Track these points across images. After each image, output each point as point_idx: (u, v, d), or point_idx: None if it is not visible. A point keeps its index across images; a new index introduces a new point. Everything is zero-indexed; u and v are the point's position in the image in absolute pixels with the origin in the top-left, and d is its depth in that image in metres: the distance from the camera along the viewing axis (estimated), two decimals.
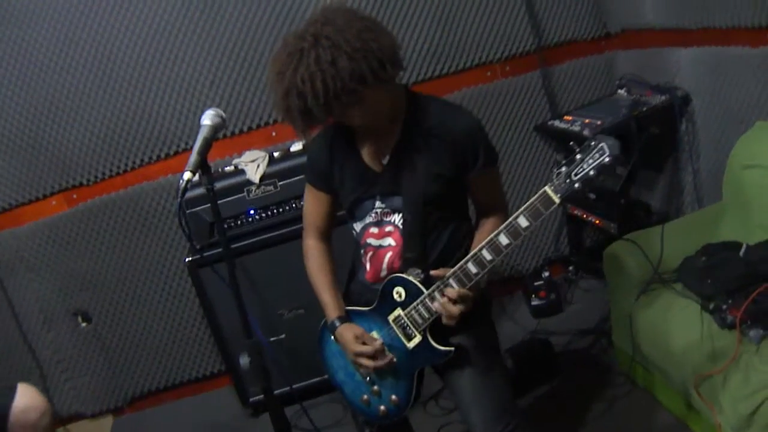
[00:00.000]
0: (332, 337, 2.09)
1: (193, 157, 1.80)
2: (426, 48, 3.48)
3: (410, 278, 1.93)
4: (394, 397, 2.05)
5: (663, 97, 3.18)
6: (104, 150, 3.40)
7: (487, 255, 1.81)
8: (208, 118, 1.88)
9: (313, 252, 2.17)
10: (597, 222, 3.41)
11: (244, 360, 2.78)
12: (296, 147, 3.24)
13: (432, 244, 1.98)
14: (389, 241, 2.00)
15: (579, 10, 3.61)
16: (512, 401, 2.10)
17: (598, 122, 3.25)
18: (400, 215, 1.96)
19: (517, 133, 3.67)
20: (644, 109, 3.17)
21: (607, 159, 1.61)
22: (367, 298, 2.06)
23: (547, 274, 3.61)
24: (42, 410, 2.16)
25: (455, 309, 1.82)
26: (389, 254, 1.99)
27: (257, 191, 3.09)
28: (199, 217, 3.06)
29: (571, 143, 1.69)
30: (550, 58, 3.63)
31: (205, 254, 3.06)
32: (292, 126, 1.84)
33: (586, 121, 3.33)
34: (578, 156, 1.64)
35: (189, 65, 3.33)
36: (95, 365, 3.65)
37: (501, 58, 3.59)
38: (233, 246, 2.96)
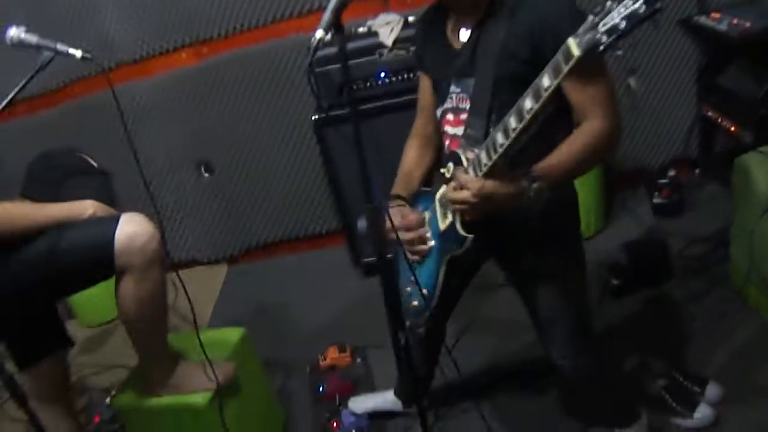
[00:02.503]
0: None
1: (327, 15, 1.73)
2: None
3: (460, 152, 1.79)
4: (424, 290, 1.97)
5: None
6: (237, 5, 3.39)
7: (512, 122, 1.59)
8: None
9: (411, 151, 2.14)
10: (732, 128, 3.22)
11: (361, 223, 2.82)
12: None
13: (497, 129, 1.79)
14: (461, 130, 1.88)
15: None
16: (588, 331, 2.03)
17: (747, 24, 3.01)
18: (471, 100, 1.84)
19: (659, 26, 3.42)
20: None
21: (642, 7, 1.30)
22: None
23: (673, 173, 3.48)
24: (149, 234, 2.04)
25: (459, 195, 1.69)
26: (461, 142, 1.87)
27: (389, 54, 3.05)
28: (329, 76, 3.07)
29: None
30: None
31: (331, 113, 3.08)
32: None
33: (734, 21, 3.09)
34: (609, 2, 1.33)
35: None
36: (214, 214, 3.82)
37: None
38: (361, 108, 3.02)
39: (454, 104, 1.91)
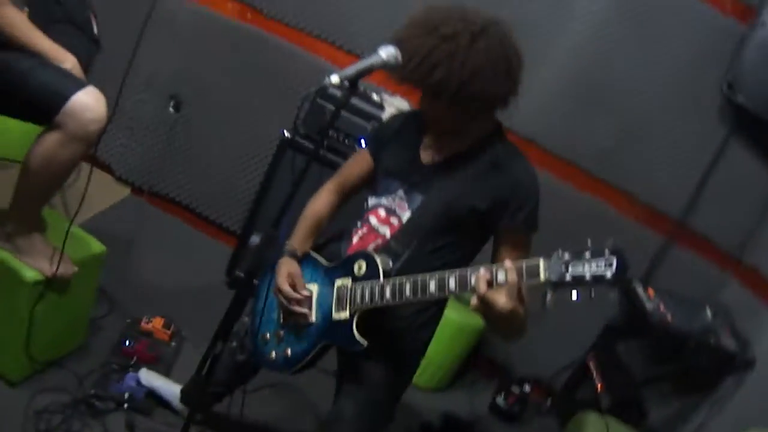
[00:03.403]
0: None
1: (352, 69, 1.83)
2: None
3: (378, 260, 1.88)
4: (289, 351, 2.04)
5: (733, 346, 3.13)
6: (302, 3, 3.53)
7: (408, 291, 1.77)
8: (385, 53, 1.91)
9: (325, 195, 2.20)
10: (599, 386, 3.41)
11: (254, 239, 2.89)
12: None
13: (418, 257, 1.93)
14: (387, 231, 1.97)
15: (737, 221, 3.56)
16: None
17: (669, 317, 3.23)
18: (410, 214, 1.94)
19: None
20: (711, 341, 3.12)
21: (609, 274, 1.50)
22: (328, 256, 2.08)
23: (527, 389, 3.62)
24: (99, 116, 2.10)
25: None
26: (380, 242, 1.97)
27: None
28: (321, 111, 3.18)
29: (589, 240, 1.57)
30: (680, 235, 3.60)
31: (299, 140, 3.21)
32: (399, 72, 1.82)
33: (662, 308, 3.30)
34: (586, 254, 1.53)
35: None
36: (154, 146, 3.83)
37: (646, 203, 3.59)
38: (326, 155, 3.13)
39: (392, 206, 1.98)
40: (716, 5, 3.37)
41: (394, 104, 3.24)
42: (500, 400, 3.56)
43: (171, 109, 3.78)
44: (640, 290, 3.46)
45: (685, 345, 3.10)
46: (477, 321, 3.31)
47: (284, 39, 3.58)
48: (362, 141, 3.20)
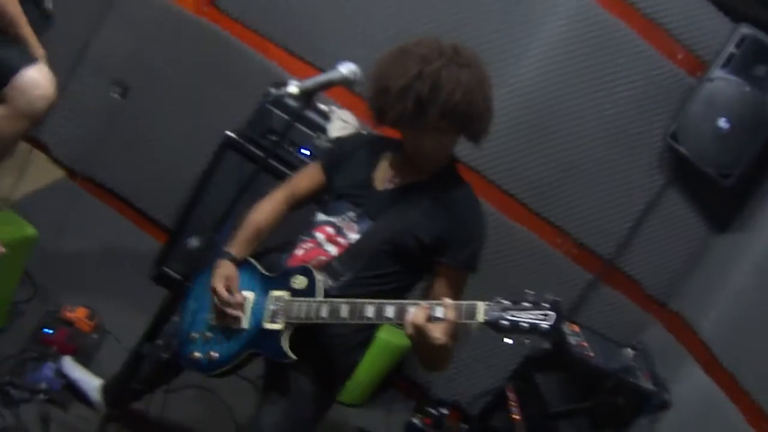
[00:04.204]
0: None
1: (311, 83, 1.85)
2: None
3: (319, 278, 1.90)
4: (214, 353, 2.02)
5: (650, 386, 3.20)
6: (269, 6, 3.49)
7: (345, 312, 1.80)
8: (345, 69, 1.93)
9: (271, 203, 2.19)
10: (516, 417, 3.44)
11: (193, 242, 2.85)
12: None
13: (359, 281, 1.95)
14: (333, 250, 1.98)
15: (665, 267, 3.66)
16: None
17: (591, 355, 3.28)
18: (359, 237, 1.96)
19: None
20: (630, 380, 3.19)
21: (545, 326, 1.58)
22: (268, 265, 2.07)
23: (445, 412, 3.64)
24: (48, 94, 2.09)
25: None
26: (323, 258, 1.98)
27: (322, 142, 3.15)
28: (270, 116, 3.13)
29: (527, 291, 1.65)
30: (609, 275, 3.67)
31: (244, 142, 3.15)
32: (375, 106, 1.89)
33: (584, 344, 3.36)
34: (525, 304, 1.61)
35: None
36: (94, 130, 3.74)
37: (578, 240, 3.64)
38: (270, 161, 3.08)
39: (341, 225, 2.00)
40: (667, 54, 3.45)
41: (340, 116, 3.23)
42: (417, 420, 3.56)
43: (116, 95, 3.70)
44: (563, 325, 3.51)
45: (604, 382, 3.15)
46: (402, 340, 3.32)
47: (239, 39, 3.54)
48: (305, 151, 3.17)
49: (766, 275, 3.01)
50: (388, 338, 3.33)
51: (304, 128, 3.14)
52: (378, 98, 1.90)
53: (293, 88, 1.84)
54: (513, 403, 3.51)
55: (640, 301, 3.73)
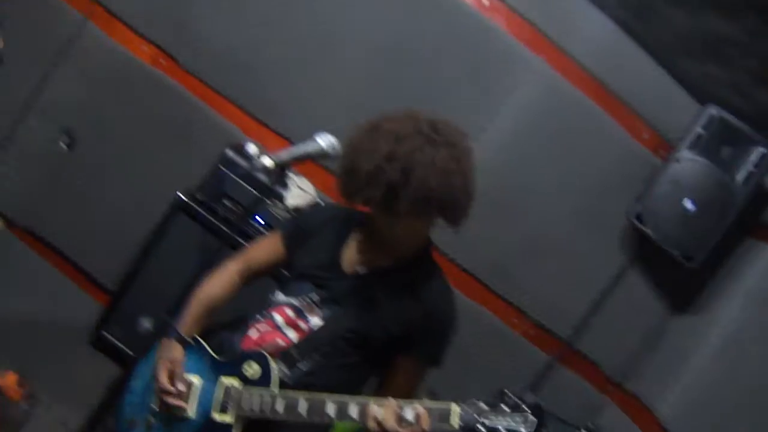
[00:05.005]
0: None
1: (286, 155, 1.78)
2: None
3: (274, 367, 1.76)
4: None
5: None
6: (227, 63, 3.35)
7: (303, 407, 1.66)
8: (324, 141, 1.83)
9: (224, 276, 2.04)
10: None
11: (145, 324, 2.67)
12: None
13: (318, 371, 1.82)
14: (292, 334, 1.84)
15: (623, 348, 3.59)
16: None
17: None
18: (322, 323, 1.82)
19: (480, 374, 3.47)
20: None
21: (524, 431, 1.48)
22: (218, 345, 1.92)
23: None
24: None
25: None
26: (280, 343, 1.83)
27: (277, 211, 3.01)
28: (224, 179, 3.00)
29: (506, 391, 1.57)
30: (566, 356, 3.58)
31: (195, 205, 3.01)
32: (343, 185, 1.76)
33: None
34: (504, 407, 1.51)
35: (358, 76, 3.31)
36: (36, 179, 3.53)
37: (536, 321, 3.55)
38: (221, 227, 2.95)
39: (302, 307, 1.85)
40: (633, 133, 3.43)
41: (297, 183, 3.10)
42: None
43: (63, 144, 3.51)
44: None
45: None
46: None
47: (196, 95, 3.38)
48: (257, 218, 3.01)
49: (726, 358, 3.00)
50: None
51: (259, 194, 2.98)
52: (347, 178, 1.76)
53: (267, 160, 1.75)
54: None
55: (597, 383, 3.65)
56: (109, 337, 3.12)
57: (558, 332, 3.55)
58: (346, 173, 1.76)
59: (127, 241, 3.37)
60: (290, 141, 3.29)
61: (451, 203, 1.75)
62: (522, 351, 3.54)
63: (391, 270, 1.87)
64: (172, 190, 3.11)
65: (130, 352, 3.05)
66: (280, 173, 1.85)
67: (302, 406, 1.67)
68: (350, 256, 1.91)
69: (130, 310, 3.10)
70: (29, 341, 3.09)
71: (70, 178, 3.52)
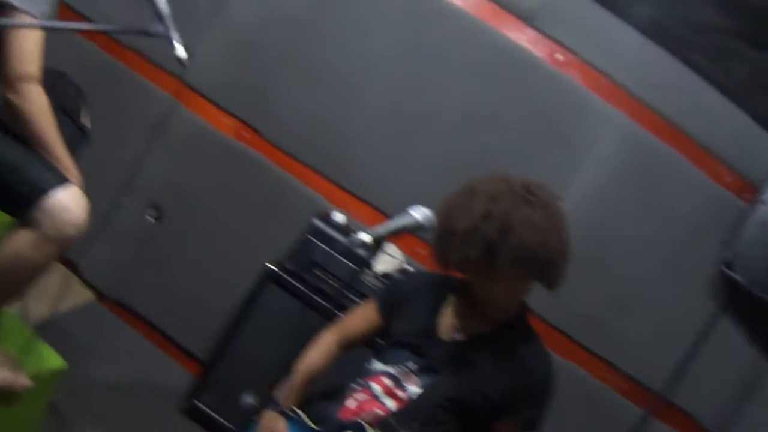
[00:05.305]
0: None
1: (383, 230, 1.79)
2: None
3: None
4: None
5: None
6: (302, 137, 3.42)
7: None
8: (419, 213, 1.84)
9: (323, 347, 2.05)
10: None
11: (249, 399, 2.68)
12: None
13: None
14: (390, 403, 1.83)
15: (720, 399, 3.47)
16: None
17: None
18: (420, 391, 1.81)
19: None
20: None
21: None
22: (316, 416, 1.92)
23: None
24: (78, 220, 1.91)
25: None
26: (379, 412, 1.82)
27: (368, 278, 3.03)
28: (313, 248, 3.03)
29: None
30: (663, 409, 3.46)
31: (285, 276, 3.04)
32: (439, 248, 1.77)
33: None
34: None
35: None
36: (127, 253, 3.63)
37: (627, 374, 3.47)
38: (314, 297, 2.98)
39: (399, 375, 1.85)
40: (715, 177, 3.37)
41: (390, 253, 3.11)
42: None
43: (151, 219, 3.61)
44: None
45: None
46: None
47: (279, 165, 3.45)
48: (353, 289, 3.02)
49: None
50: None
51: (351, 264, 3.01)
52: (443, 240, 1.77)
53: (365, 235, 1.76)
54: None
55: None
56: (202, 406, 3.18)
57: (650, 385, 3.46)
58: (442, 236, 1.78)
59: (215, 311, 3.44)
60: (375, 207, 3.35)
61: (548, 263, 1.74)
62: (615, 406, 3.46)
63: (488, 335, 1.86)
64: (258, 260, 3.16)
65: (225, 423, 3.10)
66: (376, 247, 1.84)
67: None
68: (446, 322, 1.90)
69: (223, 379, 3.15)
70: (120, 409, 3.11)
71: (157, 251, 3.61)
